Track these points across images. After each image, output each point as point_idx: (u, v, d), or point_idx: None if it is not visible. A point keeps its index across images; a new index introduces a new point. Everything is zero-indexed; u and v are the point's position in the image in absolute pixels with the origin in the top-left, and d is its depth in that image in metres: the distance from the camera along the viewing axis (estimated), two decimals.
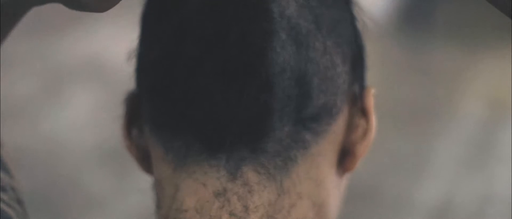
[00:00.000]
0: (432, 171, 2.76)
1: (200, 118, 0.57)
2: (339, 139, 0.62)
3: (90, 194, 2.62)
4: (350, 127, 0.62)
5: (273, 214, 0.58)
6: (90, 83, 3.22)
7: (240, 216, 0.57)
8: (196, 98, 0.57)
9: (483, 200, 2.64)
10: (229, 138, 0.57)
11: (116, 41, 3.18)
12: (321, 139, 0.59)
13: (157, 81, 0.59)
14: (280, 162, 0.58)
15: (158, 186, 0.62)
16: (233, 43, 0.56)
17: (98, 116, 2.95)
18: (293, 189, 0.59)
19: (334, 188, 0.62)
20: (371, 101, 0.64)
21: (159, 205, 0.61)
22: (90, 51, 3.40)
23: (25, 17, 0.58)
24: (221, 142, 0.57)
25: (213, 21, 0.57)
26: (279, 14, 0.57)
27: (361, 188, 2.47)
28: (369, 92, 0.64)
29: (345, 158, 0.63)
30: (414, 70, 3.48)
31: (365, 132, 0.63)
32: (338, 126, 0.61)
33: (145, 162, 0.65)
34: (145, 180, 0.69)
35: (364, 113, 0.63)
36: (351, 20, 0.63)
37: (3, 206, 0.62)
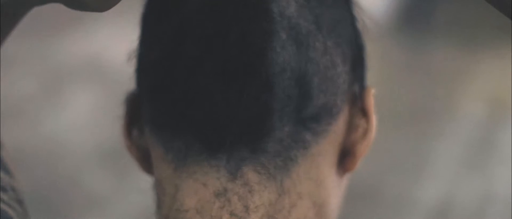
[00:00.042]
0: (432, 171, 2.76)
1: (200, 118, 0.57)
2: (340, 139, 0.62)
3: (90, 194, 2.62)
4: (350, 127, 0.62)
5: (273, 214, 0.58)
6: (90, 83, 3.22)
7: (241, 216, 0.58)
8: (196, 98, 0.57)
9: (483, 200, 2.64)
10: (229, 138, 0.57)
11: (116, 41, 3.18)
12: (321, 139, 0.59)
13: (157, 81, 0.59)
14: (280, 162, 0.58)
15: (158, 186, 0.62)
16: (233, 43, 0.56)
17: (98, 116, 2.95)
18: (294, 189, 0.59)
19: (334, 188, 0.62)
20: (371, 101, 0.64)
21: (159, 205, 0.61)
22: (90, 51, 3.40)
23: (25, 17, 0.58)
24: (221, 142, 0.57)
25: (213, 21, 0.57)
26: (279, 14, 0.57)
27: (361, 188, 2.47)
28: (369, 92, 0.64)
29: (345, 158, 0.63)
30: (414, 70, 3.48)
31: (365, 132, 0.63)
32: (338, 126, 0.61)
33: (146, 162, 0.65)
34: (145, 180, 0.69)
35: (364, 113, 0.63)
36: (351, 20, 0.63)
37: (4, 206, 0.62)
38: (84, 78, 3.26)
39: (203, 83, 0.57)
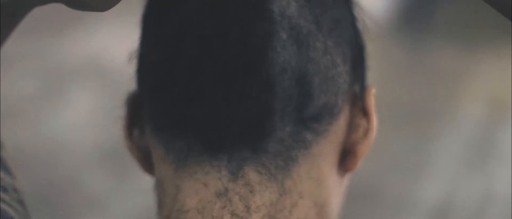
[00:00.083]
0: (432, 171, 2.76)
1: (201, 119, 0.57)
2: (340, 139, 0.62)
3: (90, 194, 2.62)
4: (351, 127, 0.62)
5: (274, 214, 0.58)
6: (90, 83, 3.22)
7: (242, 216, 0.57)
8: (196, 98, 0.57)
9: (483, 200, 2.64)
10: (230, 138, 0.57)
11: (116, 41, 3.18)
12: (322, 139, 0.59)
13: (157, 82, 0.59)
14: (281, 162, 0.58)
15: (159, 187, 0.62)
16: (234, 43, 0.56)
17: (98, 116, 2.95)
18: (295, 189, 0.59)
19: (335, 188, 0.62)
20: (372, 101, 0.63)
21: (160, 205, 0.61)
22: (90, 51, 3.40)
23: (26, 17, 0.58)
24: (222, 143, 0.57)
25: (213, 21, 0.57)
26: (280, 14, 0.57)
27: (361, 188, 2.47)
28: (370, 92, 0.64)
29: (346, 158, 0.63)
30: (414, 70, 3.48)
31: (366, 132, 0.63)
32: (339, 126, 0.61)
33: (146, 162, 0.65)
34: (145, 181, 0.69)
35: (365, 113, 0.63)
36: (352, 20, 0.63)
37: (5, 207, 0.62)
38: (84, 78, 3.26)
39: (203, 83, 0.57)
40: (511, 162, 2.64)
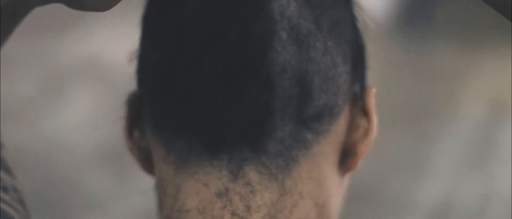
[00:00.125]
0: (432, 171, 2.76)
1: (201, 119, 0.57)
2: (341, 139, 0.62)
3: (90, 195, 2.62)
4: (351, 127, 0.62)
5: (275, 214, 0.58)
6: (90, 83, 3.22)
7: (242, 216, 0.58)
8: (197, 98, 0.57)
9: (483, 200, 2.64)
10: (230, 138, 0.57)
11: (116, 41, 3.18)
12: (323, 139, 0.59)
13: (158, 82, 0.59)
14: (281, 162, 0.58)
15: (159, 187, 0.62)
16: (233, 43, 0.56)
17: (98, 116, 2.95)
18: (295, 189, 0.59)
19: (335, 187, 0.62)
20: (372, 100, 0.63)
21: (161, 206, 0.61)
22: (90, 51, 3.40)
23: (26, 17, 0.58)
24: (222, 143, 0.57)
25: (213, 21, 0.57)
26: (280, 14, 0.57)
27: (361, 188, 2.47)
28: (370, 92, 0.64)
29: (346, 158, 0.63)
30: (414, 70, 3.48)
31: (366, 132, 0.63)
32: (339, 126, 0.61)
33: (147, 163, 0.65)
34: (145, 181, 0.69)
35: (365, 112, 0.63)
36: (352, 20, 0.63)
37: (5, 207, 0.62)
38: (84, 78, 3.26)
39: (203, 84, 0.57)
40: (511, 162, 2.64)
